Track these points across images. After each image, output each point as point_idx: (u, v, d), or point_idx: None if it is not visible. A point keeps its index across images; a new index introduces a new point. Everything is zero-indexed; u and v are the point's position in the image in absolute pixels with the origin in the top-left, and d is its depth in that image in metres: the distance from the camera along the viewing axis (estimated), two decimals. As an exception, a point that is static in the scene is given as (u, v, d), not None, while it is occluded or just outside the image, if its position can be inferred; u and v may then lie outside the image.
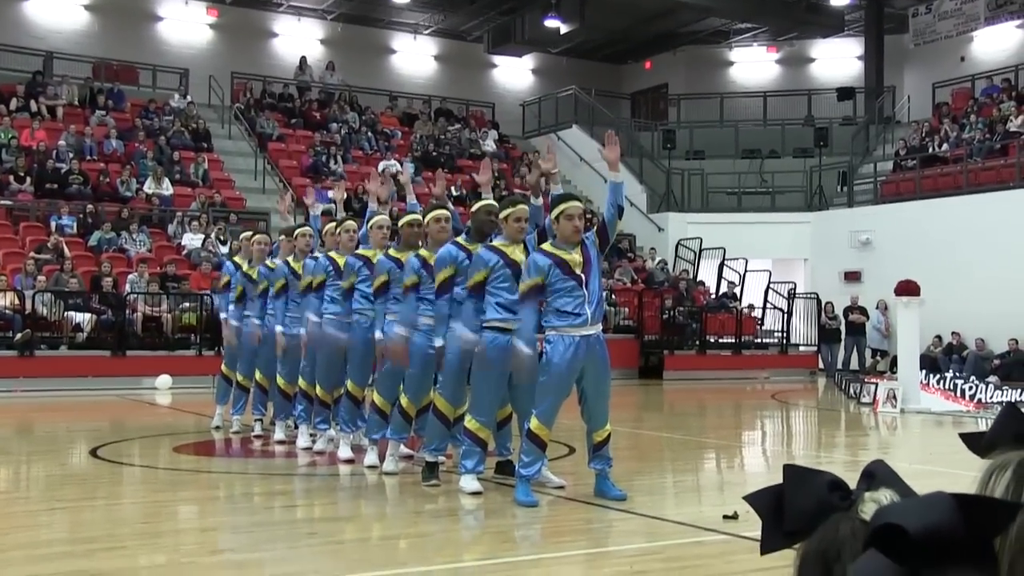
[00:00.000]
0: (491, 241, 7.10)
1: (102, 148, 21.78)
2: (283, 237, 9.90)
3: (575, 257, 6.55)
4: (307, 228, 9.58)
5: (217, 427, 10.53)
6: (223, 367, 10.69)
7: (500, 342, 6.81)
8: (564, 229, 6.58)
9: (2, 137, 20.63)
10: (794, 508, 1.25)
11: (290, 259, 9.53)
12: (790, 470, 1.28)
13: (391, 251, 8.02)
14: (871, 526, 1.07)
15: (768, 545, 1.26)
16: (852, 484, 1.29)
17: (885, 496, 1.18)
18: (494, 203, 7.39)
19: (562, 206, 6.64)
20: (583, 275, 6.53)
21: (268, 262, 9.89)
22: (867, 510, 1.17)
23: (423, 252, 7.60)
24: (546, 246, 6.66)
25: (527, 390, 6.77)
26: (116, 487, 7.80)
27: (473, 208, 7.58)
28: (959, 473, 7.95)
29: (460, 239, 7.39)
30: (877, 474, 1.25)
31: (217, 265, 16.99)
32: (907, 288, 14.26)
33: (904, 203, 22.64)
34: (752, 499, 1.29)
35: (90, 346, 16.61)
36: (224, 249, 18.80)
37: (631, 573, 4.90)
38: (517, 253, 6.90)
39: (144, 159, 21.67)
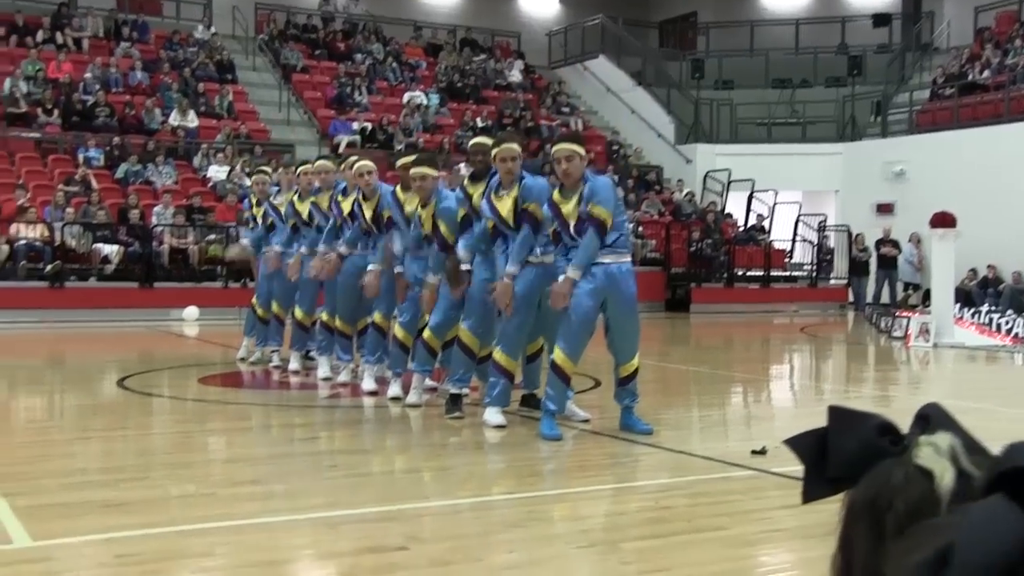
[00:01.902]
0: (491, 180, 7.03)
1: (127, 80, 21.68)
2: (280, 170, 9.84)
3: (569, 208, 6.46)
4: (307, 166, 9.53)
5: (243, 359, 10.56)
6: (254, 300, 10.71)
7: (529, 275, 6.74)
8: (557, 172, 6.59)
9: (29, 69, 20.54)
10: (839, 453, 1.15)
11: (295, 198, 9.50)
12: (835, 412, 1.18)
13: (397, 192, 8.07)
14: (996, 468, 0.96)
15: (811, 493, 1.17)
16: (901, 426, 1.20)
17: (943, 440, 1.09)
18: (486, 142, 7.30)
19: (552, 150, 6.73)
20: (575, 231, 6.45)
21: (273, 200, 9.92)
22: (923, 455, 1.08)
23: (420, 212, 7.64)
24: (555, 194, 6.60)
25: (558, 322, 6.70)
26: (145, 418, 7.84)
27: (469, 146, 7.60)
28: (994, 409, 7.85)
29: (465, 182, 7.43)
30: (932, 417, 1.15)
31: (241, 197, 17.02)
32: (943, 220, 14.02)
33: (940, 133, 22.21)
34: (793, 443, 1.19)
35: (118, 278, 16.69)
36: (248, 181, 18.78)
37: (657, 508, 4.85)
38: (507, 204, 6.81)
39: (169, 91, 21.58)
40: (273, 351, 10.14)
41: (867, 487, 1.09)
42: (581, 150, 6.56)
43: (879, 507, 1.07)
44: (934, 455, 1.07)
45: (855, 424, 1.16)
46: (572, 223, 6.44)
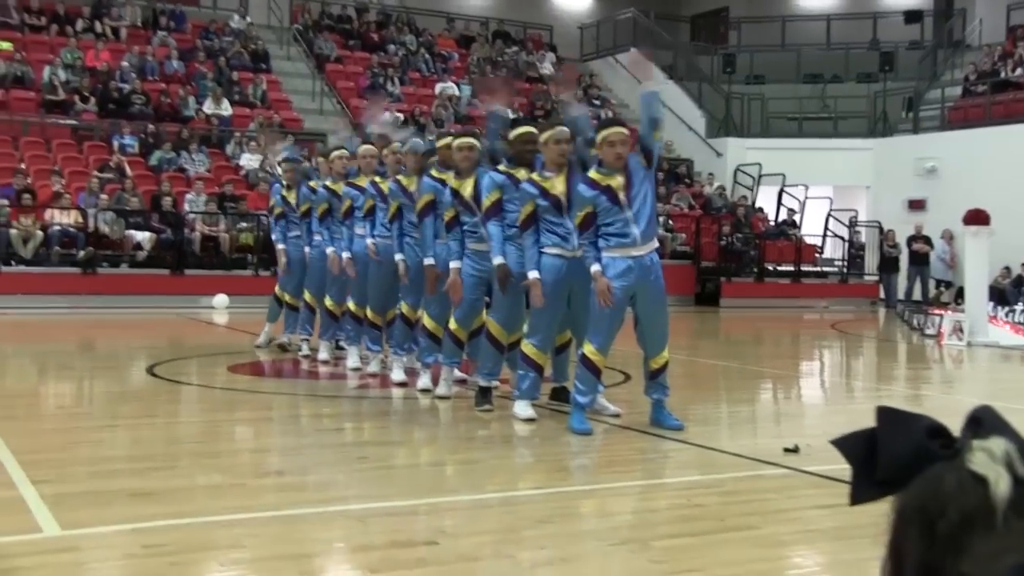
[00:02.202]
0: (533, 171, 6.94)
1: (163, 68, 21.81)
2: (320, 159, 9.91)
3: (618, 180, 6.43)
4: (343, 151, 9.52)
5: (258, 346, 10.62)
6: (276, 288, 10.74)
7: (558, 265, 6.70)
8: (606, 155, 6.47)
9: (68, 58, 20.72)
10: (888, 455, 1.12)
11: (328, 181, 9.50)
12: (884, 413, 1.15)
13: (434, 172, 7.94)
14: None
15: (859, 496, 1.14)
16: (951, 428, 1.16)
17: (997, 445, 1.05)
18: (532, 130, 7.25)
19: (604, 132, 6.53)
20: (625, 199, 6.41)
21: (312, 183, 9.89)
22: (977, 461, 1.04)
23: (452, 182, 7.49)
24: (591, 173, 6.52)
25: (586, 314, 6.66)
26: (173, 405, 7.87)
27: (511, 136, 7.40)
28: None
29: (502, 166, 7.25)
30: (984, 420, 1.11)
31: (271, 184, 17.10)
32: (976, 217, 13.87)
33: (973, 130, 21.99)
34: (841, 444, 1.17)
35: (150, 264, 16.81)
36: (279, 169, 18.83)
37: (688, 506, 4.81)
38: (558, 185, 6.74)
39: (204, 80, 21.67)
40: (303, 339, 10.15)
41: (918, 492, 1.06)
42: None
43: (931, 513, 1.04)
44: (988, 461, 1.04)
45: (905, 426, 1.13)
46: (622, 195, 6.41)
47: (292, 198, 10.18)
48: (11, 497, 4.60)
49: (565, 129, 6.89)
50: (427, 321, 7.88)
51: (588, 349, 6.47)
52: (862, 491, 1.14)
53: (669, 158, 24.53)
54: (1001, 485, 1.01)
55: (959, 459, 1.06)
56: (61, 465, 5.38)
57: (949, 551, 1.01)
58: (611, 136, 6.48)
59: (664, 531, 4.43)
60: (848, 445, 1.16)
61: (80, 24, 22.17)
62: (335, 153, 9.64)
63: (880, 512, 1.12)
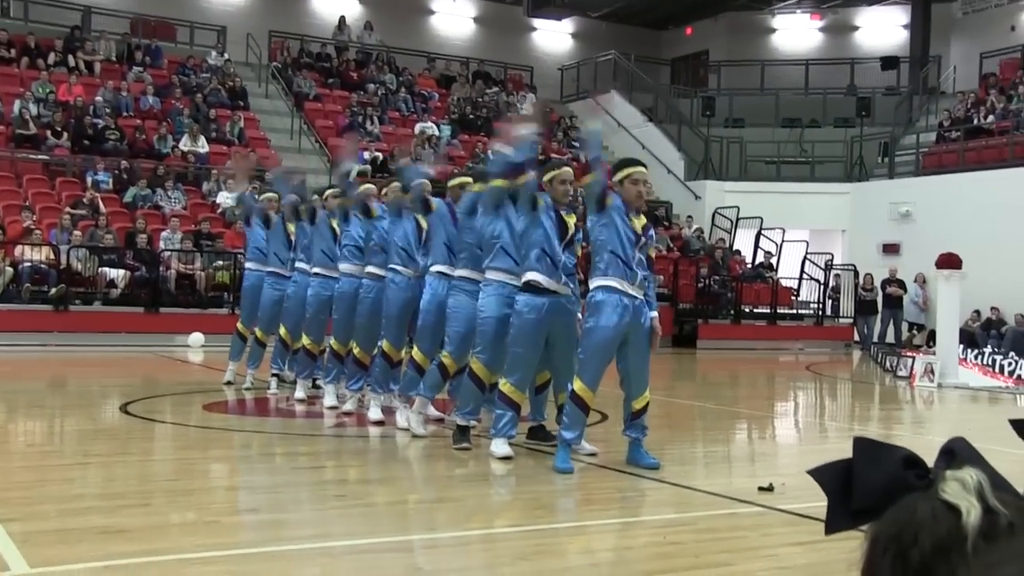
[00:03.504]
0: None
1: (139, 104, 21.75)
2: (315, 197, 9.96)
3: (640, 223, 6.57)
4: (337, 190, 9.57)
5: (229, 382, 10.57)
6: (239, 324, 10.75)
7: (538, 304, 6.70)
8: (628, 193, 6.54)
9: (40, 91, 20.62)
10: (864, 485, 1.14)
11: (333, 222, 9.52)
12: (861, 444, 1.17)
13: None
14: None
15: (834, 525, 1.16)
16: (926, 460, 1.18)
17: (970, 475, 1.07)
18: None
19: (629, 170, 6.59)
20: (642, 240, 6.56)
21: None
22: (950, 490, 1.06)
23: None
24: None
25: (564, 355, 6.69)
26: (147, 443, 7.79)
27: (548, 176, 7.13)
28: (998, 449, 7.81)
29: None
30: (958, 451, 1.13)
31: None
32: (948, 261, 14.03)
33: (946, 175, 22.31)
34: (817, 474, 1.18)
35: (124, 302, 16.66)
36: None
37: (664, 543, 4.81)
38: (570, 218, 6.84)
39: (180, 116, 21.63)
40: (273, 375, 10.13)
41: (892, 521, 1.08)
42: None
43: (904, 542, 1.05)
44: (961, 491, 1.06)
45: (881, 456, 1.14)
46: (642, 238, 6.55)
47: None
48: (-21, 535, 4.53)
49: (569, 170, 7.00)
50: (416, 354, 7.83)
51: (578, 386, 6.48)
52: (837, 520, 1.16)
53: (648, 200, 24.62)
54: (972, 514, 1.03)
55: (932, 489, 1.08)
56: (30, 503, 5.29)
57: None
58: (635, 175, 6.57)
59: (640, 568, 4.43)
60: (825, 475, 1.18)
61: (52, 57, 22.04)
62: (329, 192, 9.70)
63: (854, 548, 1.13)
